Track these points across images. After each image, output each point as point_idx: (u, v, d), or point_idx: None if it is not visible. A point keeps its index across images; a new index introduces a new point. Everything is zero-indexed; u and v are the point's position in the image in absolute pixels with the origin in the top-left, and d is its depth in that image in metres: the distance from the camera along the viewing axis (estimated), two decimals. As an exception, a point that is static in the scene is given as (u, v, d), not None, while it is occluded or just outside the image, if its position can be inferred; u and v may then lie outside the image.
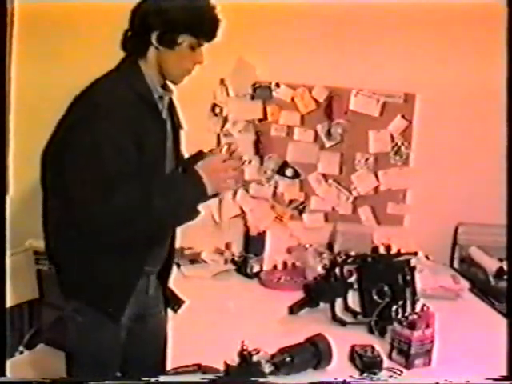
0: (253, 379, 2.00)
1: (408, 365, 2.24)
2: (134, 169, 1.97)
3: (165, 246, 2.28)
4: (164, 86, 2.17)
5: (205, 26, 2.07)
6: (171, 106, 2.23)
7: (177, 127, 2.24)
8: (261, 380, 2.01)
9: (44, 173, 2.15)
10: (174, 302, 2.58)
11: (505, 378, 2.13)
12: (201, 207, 2.09)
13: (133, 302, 2.18)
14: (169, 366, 2.16)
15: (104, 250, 2.04)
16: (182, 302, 2.63)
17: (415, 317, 2.29)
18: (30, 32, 3.57)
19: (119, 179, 1.92)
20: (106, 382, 2.08)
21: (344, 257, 2.95)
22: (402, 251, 3.41)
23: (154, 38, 2.04)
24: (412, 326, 2.25)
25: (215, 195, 2.12)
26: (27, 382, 2.34)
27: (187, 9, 2.04)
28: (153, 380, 2.07)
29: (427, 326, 2.26)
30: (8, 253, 2.21)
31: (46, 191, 2.14)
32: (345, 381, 2.09)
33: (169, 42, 2.05)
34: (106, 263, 2.07)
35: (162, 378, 2.06)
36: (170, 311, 2.48)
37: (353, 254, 3.14)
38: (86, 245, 2.03)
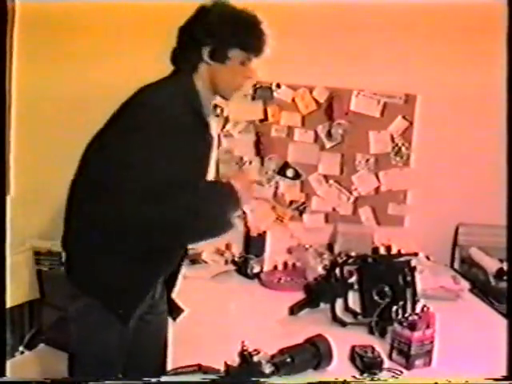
0: (253, 379, 2.00)
1: (408, 365, 2.24)
2: (184, 179, 1.99)
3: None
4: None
5: (254, 41, 2.13)
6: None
7: None
8: (261, 380, 2.01)
9: (83, 171, 2.16)
10: (173, 310, 2.59)
11: (505, 378, 2.13)
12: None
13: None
14: (169, 367, 2.16)
15: (131, 254, 2.05)
16: (182, 310, 2.63)
17: (415, 317, 2.29)
18: (31, 32, 3.58)
19: (171, 187, 1.94)
20: (107, 382, 2.08)
21: (344, 257, 2.94)
22: (403, 252, 3.41)
23: (205, 53, 2.10)
24: (412, 327, 2.25)
25: None
26: (27, 382, 2.34)
27: (236, 24, 2.10)
28: (153, 380, 2.07)
29: (427, 327, 2.26)
30: (8, 253, 2.20)
31: (83, 190, 2.13)
32: (345, 381, 2.09)
33: (220, 57, 2.11)
34: (129, 266, 2.09)
35: (162, 379, 2.06)
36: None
37: (353, 254, 3.13)
38: (114, 245, 2.04)
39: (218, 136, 3.80)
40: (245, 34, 2.10)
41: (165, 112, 2.00)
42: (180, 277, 2.45)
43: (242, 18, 2.11)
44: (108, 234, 2.01)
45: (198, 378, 2.07)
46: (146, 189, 1.92)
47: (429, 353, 2.27)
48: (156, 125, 1.97)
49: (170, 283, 2.41)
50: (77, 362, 2.28)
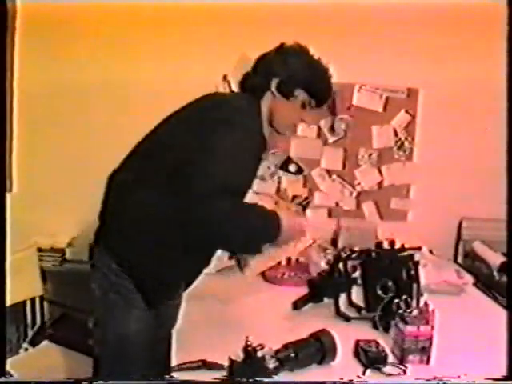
0: (258, 379, 2.00)
1: (402, 360, 2.23)
2: (244, 185, 2.14)
3: None
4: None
5: (321, 89, 2.26)
6: None
7: None
8: (265, 381, 2.01)
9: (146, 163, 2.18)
10: None
11: (505, 378, 2.12)
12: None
13: None
14: (173, 362, 2.16)
15: (176, 245, 2.11)
16: None
17: (419, 312, 2.28)
18: (33, 31, 3.58)
19: (240, 188, 2.08)
20: (110, 381, 2.08)
21: (348, 252, 2.93)
22: (406, 246, 3.40)
23: (273, 83, 2.20)
24: (405, 321, 2.25)
25: None
26: (27, 382, 2.35)
27: (310, 67, 2.24)
28: (159, 379, 2.07)
29: (426, 323, 2.25)
30: (10, 250, 2.21)
31: (142, 181, 2.15)
32: (351, 381, 2.09)
33: (285, 92, 2.21)
34: (172, 256, 2.14)
35: (167, 377, 2.06)
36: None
37: (357, 249, 3.12)
38: (163, 234, 2.08)
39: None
40: (314, 79, 2.23)
41: (244, 118, 2.12)
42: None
43: (316, 65, 2.26)
44: (160, 222, 2.06)
45: (202, 373, 2.07)
46: (223, 186, 1.96)
47: (425, 350, 2.25)
48: (238, 123, 2.07)
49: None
50: (97, 350, 2.32)
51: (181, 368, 2.08)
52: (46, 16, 3.47)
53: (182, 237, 2.05)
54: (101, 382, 2.07)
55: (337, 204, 4.02)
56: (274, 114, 2.23)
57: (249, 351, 2.03)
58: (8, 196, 2.25)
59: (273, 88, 2.21)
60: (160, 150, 2.17)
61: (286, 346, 2.14)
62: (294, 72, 2.21)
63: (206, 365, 2.09)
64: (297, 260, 3.62)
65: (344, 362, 2.20)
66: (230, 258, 3.13)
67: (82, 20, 3.61)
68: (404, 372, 2.18)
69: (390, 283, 2.66)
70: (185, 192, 1.95)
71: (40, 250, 3.46)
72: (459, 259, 4.01)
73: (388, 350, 2.27)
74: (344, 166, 3.99)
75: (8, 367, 2.47)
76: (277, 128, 2.27)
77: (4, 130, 2.41)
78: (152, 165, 2.14)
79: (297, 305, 2.82)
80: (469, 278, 3.41)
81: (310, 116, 2.29)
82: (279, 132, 2.30)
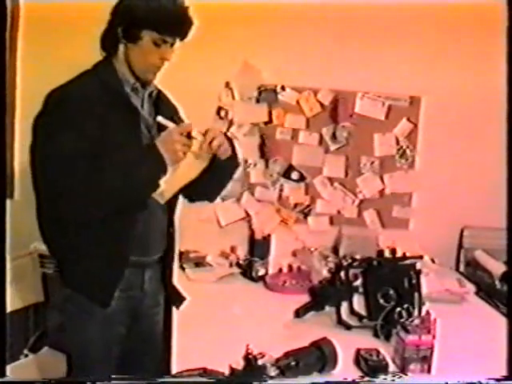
0: (257, 380, 2.00)
1: (402, 368, 2.22)
2: (96, 150, 2.03)
3: (152, 233, 2.26)
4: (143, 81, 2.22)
5: (168, 24, 2.12)
6: (159, 98, 2.29)
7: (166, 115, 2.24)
8: (265, 381, 2.01)
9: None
10: (174, 298, 2.59)
11: (505, 378, 2.12)
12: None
13: (126, 296, 2.20)
14: (174, 370, 2.16)
15: (84, 234, 2.11)
16: (184, 298, 2.64)
17: (419, 321, 2.28)
18: (35, 32, 3.58)
19: (79, 160, 2.00)
20: (111, 382, 2.08)
21: (349, 260, 2.94)
22: (408, 255, 3.40)
23: (119, 32, 2.12)
24: (407, 330, 2.25)
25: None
26: (27, 383, 2.35)
27: (152, 7, 2.11)
28: (157, 380, 2.07)
29: (427, 332, 2.24)
30: (11, 256, 2.21)
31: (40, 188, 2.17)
32: (354, 380, 2.08)
33: (132, 37, 2.12)
34: (89, 250, 2.13)
35: (166, 378, 2.06)
36: (174, 315, 2.47)
37: (358, 257, 3.13)
38: (66, 229, 2.12)
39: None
40: (159, 17, 2.11)
41: (74, 91, 2.10)
42: (180, 273, 2.44)
43: (162, 2, 2.13)
44: (57, 217, 2.11)
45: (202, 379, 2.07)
46: (57, 161, 2.01)
47: (426, 359, 2.24)
48: (64, 104, 2.06)
49: (164, 277, 2.38)
50: (71, 358, 2.31)
51: (182, 375, 2.08)
52: (48, 15, 3.46)
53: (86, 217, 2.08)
54: (100, 382, 2.08)
55: (338, 212, 4.01)
56: (129, 63, 2.16)
57: (249, 359, 2.03)
58: (9, 202, 2.25)
59: (120, 37, 2.13)
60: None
61: (286, 355, 2.14)
62: (134, 16, 2.11)
63: (206, 373, 2.09)
64: (298, 268, 3.62)
65: (345, 370, 2.20)
66: (231, 265, 3.12)
67: (85, 19, 3.60)
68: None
69: (391, 292, 2.66)
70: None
71: (41, 255, 3.45)
72: (461, 268, 4.00)
73: (389, 359, 2.26)
74: (346, 174, 3.98)
75: (8, 373, 2.47)
76: (139, 75, 2.18)
77: (5, 136, 2.41)
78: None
79: (298, 313, 2.82)
80: (470, 287, 3.40)
81: (168, 52, 2.15)
82: (143, 79, 2.19)
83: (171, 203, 2.23)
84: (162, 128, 2.12)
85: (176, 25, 2.15)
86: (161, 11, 2.11)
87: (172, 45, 2.16)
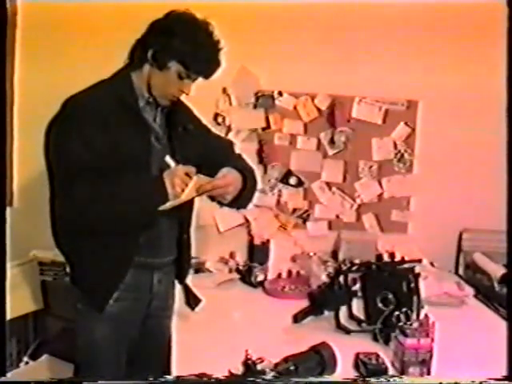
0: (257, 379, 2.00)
1: (402, 372, 2.23)
2: (106, 164, 2.07)
3: (159, 236, 2.27)
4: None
5: (198, 62, 2.14)
6: (173, 114, 2.30)
7: (179, 132, 2.29)
8: (265, 380, 2.01)
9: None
10: (190, 299, 2.61)
11: (505, 378, 2.12)
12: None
13: (133, 297, 2.23)
14: (173, 375, 2.16)
15: (90, 240, 2.16)
16: (199, 300, 2.66)
17: (419, 324, 2.28)
18: (34, 32, 3.58)
19: (85, 171, 2.05)
20: (110, 382, 2.08)
21: (348, 265, 2.94)
22: (406, 258, 3.40)
23: (149, 54, 2.14)
24: (406, 333, 2.25)
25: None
26: (27, 383, 2.35)
27: (187, 39, 2.11)
28: (158, 380, 2.08)
29: (426, 336, 2.25)
30: (11, 264, 2.21)
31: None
32: (355, 380, 2.09)
33: (159, 64, 2.14)
34: (94, 252, 2.17)
35: (166, 378, 2.07)
36: (174, 321, 2.47)
37: (357, 261, 3.13)
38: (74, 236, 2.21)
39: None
40: (192, 53, 2.12)
41: (87, 102, 2.13)
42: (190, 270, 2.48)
43: (196, 36, 2.13)
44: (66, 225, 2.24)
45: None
46: (65, 173, 2.12)
47: (425, 362, 2.25)
48: (77, 114, 2.11)
49: (178, 278, 2.43)
50: (77, 356, 2.34)
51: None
52: (47, 15, 3.47)
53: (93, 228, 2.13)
54: (102, 382, 2.08)
55: (337, 216, 4.01)
56: (150, 85, 2.18)
57: (249, 364, 2.03)
58: (8, 210, 2.25)
59: (149, 58, 2.14)
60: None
61: (286, 359, 2.14)
62: (167, 43, 2.11)
63: (205, 378, 2.09)
64: (297, 273, 3.63)
65: (344, 374, 2.20)
66: (230, 271, 3.13)
67: (84, 20, 3.60)
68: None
69: (390, 296, 2.66)
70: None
71: (41, 263, 3.46)
72: (460, 271, 4.00)
73: (388, 363, 2.27)
74: (344, 179, 3.98)
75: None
76: (155, 97, 2.20)
77: (5, 142, 2.42)
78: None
79: (297, 318, 2.82)
80: (469, 290, 3.40)
81: (188, 87, 2.19)
82: (159, 102, 2.22)
83: (183, 207, 2.22)
84: (171, 139, 2.25)
85: (205, 64, 2.17)
86: (195, 47, 2.12)
87: (194, 80, 2.19)
